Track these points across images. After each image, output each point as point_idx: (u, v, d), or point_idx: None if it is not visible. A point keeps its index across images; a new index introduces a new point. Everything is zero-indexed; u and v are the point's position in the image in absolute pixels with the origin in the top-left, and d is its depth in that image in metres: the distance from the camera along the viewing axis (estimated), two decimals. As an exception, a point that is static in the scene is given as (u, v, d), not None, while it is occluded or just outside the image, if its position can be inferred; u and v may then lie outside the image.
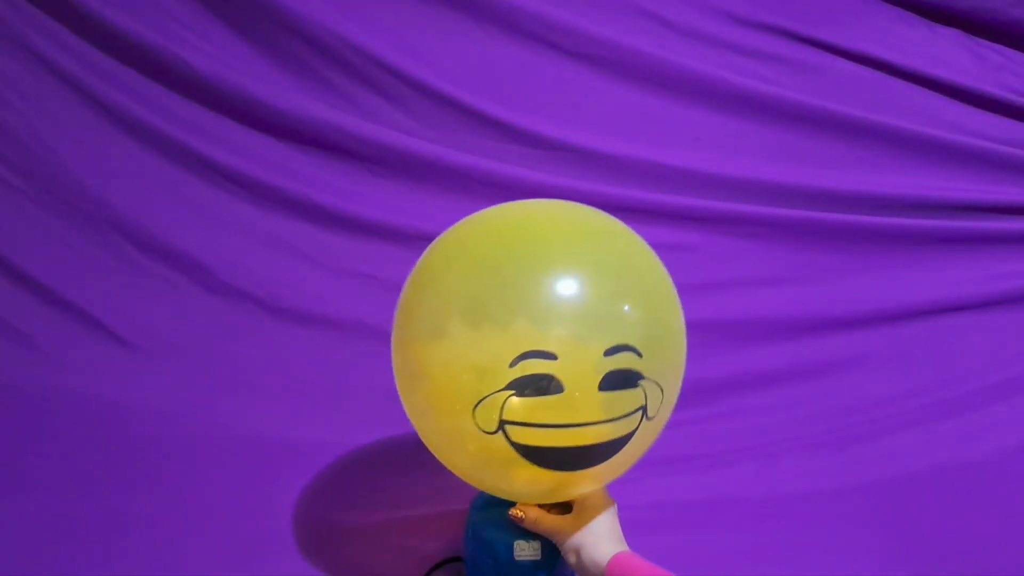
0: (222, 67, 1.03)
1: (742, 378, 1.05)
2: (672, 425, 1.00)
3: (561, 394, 0.56)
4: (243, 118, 1.06)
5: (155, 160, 1.05)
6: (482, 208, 1.08)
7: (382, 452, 0.93)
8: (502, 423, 0.57)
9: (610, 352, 0.57)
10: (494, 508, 0.69)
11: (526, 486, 0.63)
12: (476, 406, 0.57)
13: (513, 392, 0.56)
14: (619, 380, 0.58)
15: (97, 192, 1.03)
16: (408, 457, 0.94)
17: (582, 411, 0.57)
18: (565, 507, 0.66)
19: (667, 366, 0.63)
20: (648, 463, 0.95)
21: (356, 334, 1.03)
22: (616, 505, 0.67)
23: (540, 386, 0.56)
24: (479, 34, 1.09)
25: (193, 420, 0.94)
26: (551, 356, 0.56)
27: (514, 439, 0.57)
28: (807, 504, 0.90)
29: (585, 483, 0.64)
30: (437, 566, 0.77)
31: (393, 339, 0.66)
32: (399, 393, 0.66)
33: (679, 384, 0.66)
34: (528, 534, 0.66)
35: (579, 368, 0.56)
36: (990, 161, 1.15)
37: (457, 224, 0.67)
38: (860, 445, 0.99)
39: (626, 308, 0.60)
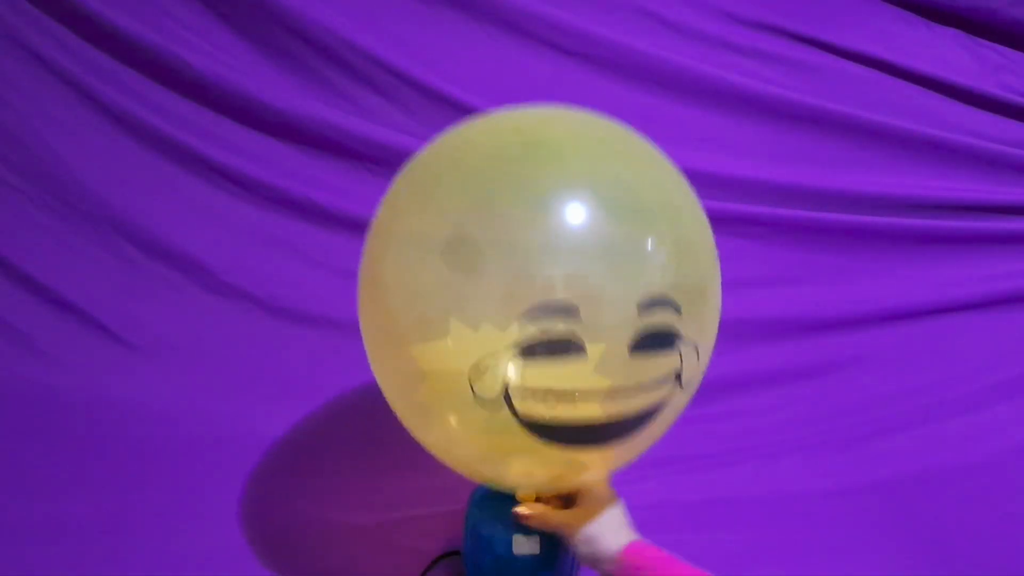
0: (222, 67, 1.03)
1: (742, 378, 1.05)
2: (672, 425, 1.01)
3: (582, 356, 0.45)
4: (243, 118, 1.06)
5: (155, 160, 1.05)
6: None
7: (382, 452, 0.93)
8: (505, 392, 0.46)
9: (646, 306, 0.45)
10: (493, 503, 0.69)
11: (529, 471, 0.53)
12: (472, 369, 0.45)
13: (520, 352, 0.45)
14: (654, 341, 0.47)
15: (97, 192, 1.03)
16: (407, 457, 0.94)
17: (607, 377, 0.46)
18: (566, 501, 0.66)
19: (706, 323, 0.52)
20: (648, 463, 0.95)
21: (356, 334, 1.02)
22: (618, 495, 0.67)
23: (555, 347, 0.44)
24: (479, 34, 1.09)
25: (193, 419, 0.94)
26: (571, 310, 0.44)
27: (520, 412, 0.47)
28: (808, 504, 0.91)
29: (597, 464, 0.55)
30: (436, 561, 0.77)
31: (360, 302, 0.55)
32: (372, 367, 0.56)
33: (713, 344, 0.55)
34: (526, 529, 0.66)
35: (606, 325, 0.44)
36: (990, 161, 1.15)
37: (440, 136, 0.54)
38: (860, 445, 0.99)
39: (648, 246, 0.46)
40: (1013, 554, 0.85)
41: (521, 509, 0.65)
